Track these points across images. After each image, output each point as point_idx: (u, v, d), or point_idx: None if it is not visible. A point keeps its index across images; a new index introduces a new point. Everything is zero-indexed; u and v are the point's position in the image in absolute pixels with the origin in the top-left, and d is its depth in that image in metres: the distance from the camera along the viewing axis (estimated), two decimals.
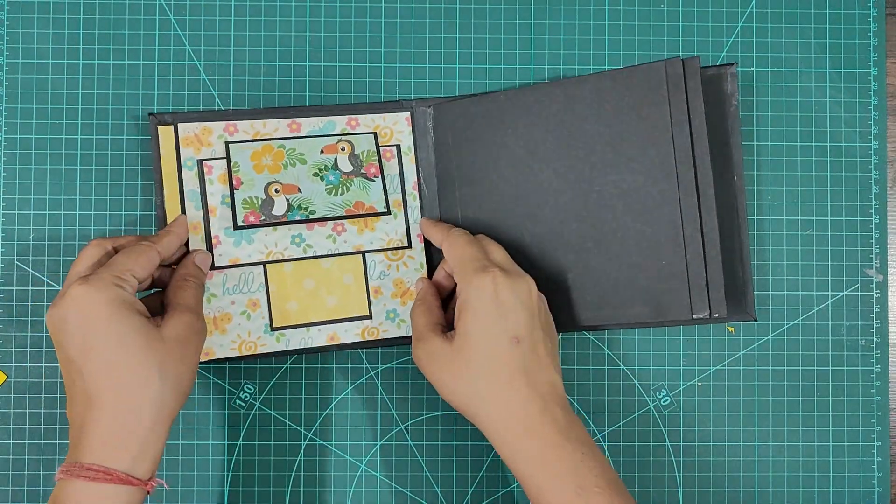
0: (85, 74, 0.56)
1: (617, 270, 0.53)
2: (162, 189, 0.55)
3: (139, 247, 0.48)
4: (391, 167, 0.56)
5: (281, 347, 0.55)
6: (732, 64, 0.55)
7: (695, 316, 0.51)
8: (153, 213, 0.56)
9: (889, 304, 0.58)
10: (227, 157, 0.54)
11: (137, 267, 0.47)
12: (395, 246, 0.56)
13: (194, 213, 0.55)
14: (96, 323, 0.44)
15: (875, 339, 0.57)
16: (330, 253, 0.55)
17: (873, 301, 0.57)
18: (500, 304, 0.47)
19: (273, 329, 0.55)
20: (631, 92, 0.52)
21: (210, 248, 0.54)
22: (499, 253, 0.51)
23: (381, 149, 0.56)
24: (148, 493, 0.44)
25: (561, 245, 0.53)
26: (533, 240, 0.54)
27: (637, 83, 0.51)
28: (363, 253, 0.55)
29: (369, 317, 0.55)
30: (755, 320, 0.56)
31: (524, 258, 0.54)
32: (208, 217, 0.55)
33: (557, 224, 0.53)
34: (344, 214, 0.54)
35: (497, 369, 0.46)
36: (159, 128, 0.55)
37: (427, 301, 0.52)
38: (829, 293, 0.57)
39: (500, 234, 0.54)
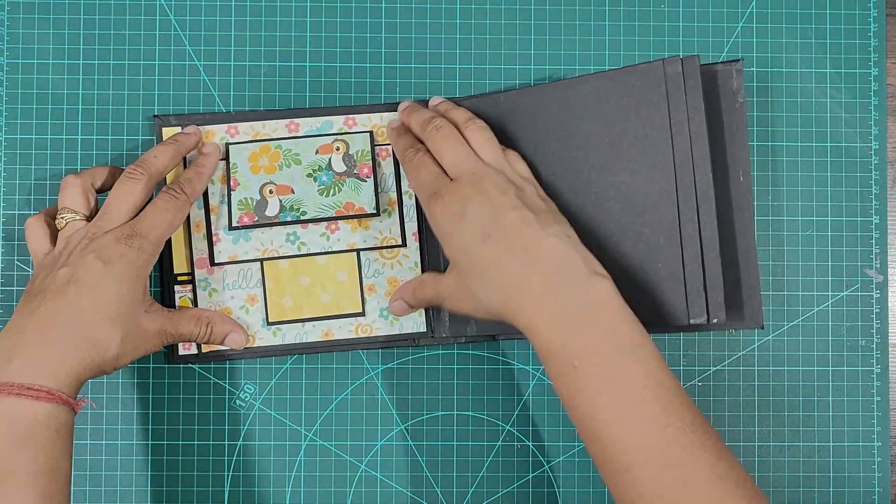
0: (85, 74, 0.57)
1: (614, 273, 0.49)
2: None
3: (175, 204, 0.50)
4: (387, 166, 0.56)
5: (277, 342, 0.55)
6: (738, 60, 0.53)
7: (692, 321, 0.49)
8: None
9: (889, 304, 0.58)
10: (227, 159, 0.55)
11: (170, 228, 0.50)
12: (390, 244, 0.56)
13: (197, 211, 0.55)
14: (117, 277, 0.47)
15: (875, 339, 0.57)
16: (323, 251, 0.55)
17: (873, 301, 0.57)
18: (455, 217, 0.47)
19: (269, 324, 0.55)
20: (629, 92, 0.51)
21: (211, 244, 0.55)
22: (448, 154, 0.50)
23: (376, 148, 0.56)
24: (75, 412, 0.46)
25: None
26: None
27: (635, 83, 0.50)
28: (357, 251, 0.56)
29: (363, 314, 0.55)
30: (762, 328, 0.54)
31: None
32: (209, 216, 0.55)
33: None
34: (334, 216, 0.55)
35: (483, 271, 0.47)
36: (164, 129, 0.55)
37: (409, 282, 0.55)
38: (829, 293, 0.57)
39: None
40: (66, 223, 0.50)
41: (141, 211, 0.50)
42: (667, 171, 0.50)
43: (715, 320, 0.49)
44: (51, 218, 0.51)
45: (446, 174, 0.50)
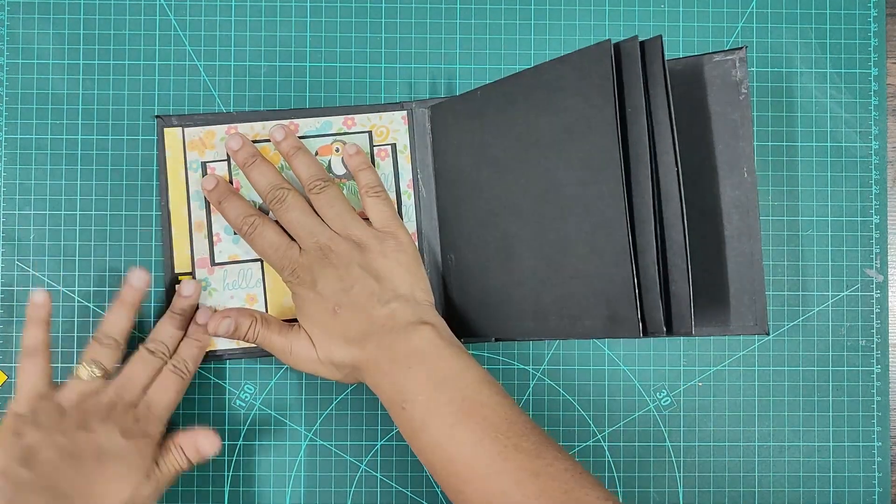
0: (85, 74, 0.57)
1: (573, 278, 0.48)
2: (167, 190, 0.55)
3: (182, 383, 0.52)
4: (385, 166, 0.56)
5: None
6: (742, 48, 0.50)
7: (651, 333, 0.45)
8: (154, 212, 0.56)
9: (889, 304, 0.58)
10: (228, 161, 0.55)
11: (176, 402, 0.52)
12: None
13: (198, 212, 0.55)
14: (137, 453, 0.48)
15: (875, 339, 0.57)
16: None
17: (873, 301, 0.57)
18: (307, 288, 0.50)
19: None
20: (581, 77, 0.46)
21: (211, 245, 0.55)
22: (295, 228, 0.52)
23: (375, 148, 0.56)
24: None
25: (526, 249, 0.50)
26: (505, 243, 0.51)
27: (585, 66, 0.45)
28: None
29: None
30: (767, 334, 0.53)
31: (497, 263, 0.52)
32: (210, 216, 0.55)
33: (523, 226, 0.50)
34: None
35: (334, 340, 0.50)
36: (165, 130, 0.55)
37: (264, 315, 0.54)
38: (829, 293, 0.57)
39: (480, 238, 0.53)
40: (91, 378, 0.50)
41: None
42: (614, 168, 0.45)
43: (682, 331, 0.46)
44: (47, 355, 0.51)
45: (291, 238, 0.52)
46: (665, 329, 0.46)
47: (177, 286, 0.54)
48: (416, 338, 0.48)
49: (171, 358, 0.52)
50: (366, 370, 0.49)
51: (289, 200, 0.52)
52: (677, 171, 0.45)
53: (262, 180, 0.53)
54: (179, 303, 0.54)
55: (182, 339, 0.53)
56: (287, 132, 0.54)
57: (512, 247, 0.51)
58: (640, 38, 0.46)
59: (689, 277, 0.46)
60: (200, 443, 0.50)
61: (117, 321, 0.52)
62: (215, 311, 0.54)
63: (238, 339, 0.52)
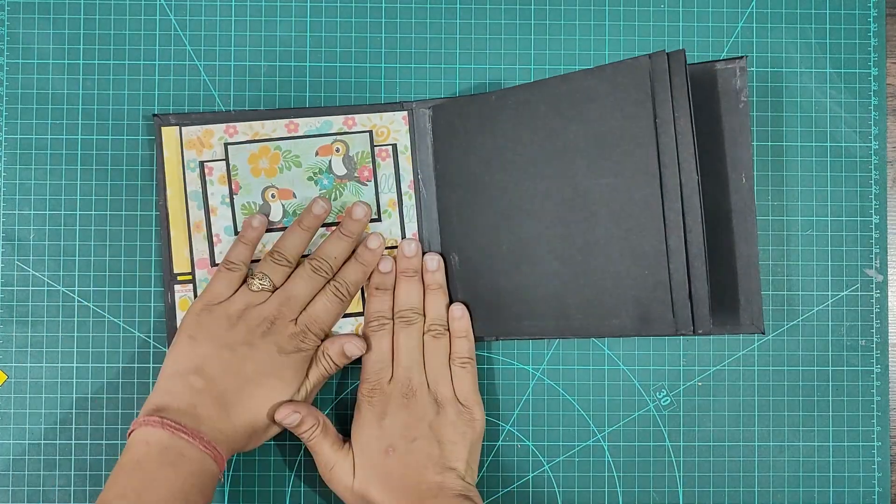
0: (85, 74, 0.57)
1: (601, 279, 0.50)
2: (165, 189, 0.55)
3: (342, 305, 0.54)
4: (386, 167, 0.56)
5: None
6: (742, 57, 0.51)
7: (679, 332, 0.49)
8: (154, 213, 0.56)
9: (889, 304, 0.58)
10: (227, 160, 0.55)
11: (334, 323, 0.55)
12: (390, 245, 0.56)
13: (196, 212, 0.55)
14: (290, 370, 0.51)
15: (875, 339, 0.57)
16: None
17: (873, 301, 0.57)
18: (375, 417, 0.52)
19: None
20: (615, 89, 0.48)
21: (211, 246, 0.55)
22: (404, 355, 0.53)
23: (376, 148, 0.56)
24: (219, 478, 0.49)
25: (547, 251, 0.52)
26: (521, 245, 0.52)
27: (621, 80, 0.48)
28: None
29: (363, 314, 0.55)
30: (763, 333, 0.54)
31: (511, 264, 0.53)
32: (209, 217, 0.55)
33: (543, 229, 0.52)
34: (335, 221, 0.55)
35: (378, 479, 0.51)
36: (163, 129, 0.55)
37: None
38: (829, 293, 0.57)
39: (491, 239, 0.53)
40: (261, 289, 0.52)
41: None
42: (651, 175, 0.48)
43: (701, 331, 0.48)
44: (236, 266, 0.53)
45: (391, 361, 0.53)
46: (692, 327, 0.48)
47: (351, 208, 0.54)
48: None
49: (333, 279, 0.53)
50: None
51: (416, 326, 0.54)
52: (698, 179, 0.48)
53: (408, 296, 0.54)
54: (349, 225, 0.54)
55: (348, 260, 0.54)
56: (440, 265, 0.55)
57: (530, 249, 0.52)
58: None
59: (707, 279, 0.48)
60: (347, 347, 0.53)
61: (295, 242, 0.53)
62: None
63: (297, 433, 0.52)
